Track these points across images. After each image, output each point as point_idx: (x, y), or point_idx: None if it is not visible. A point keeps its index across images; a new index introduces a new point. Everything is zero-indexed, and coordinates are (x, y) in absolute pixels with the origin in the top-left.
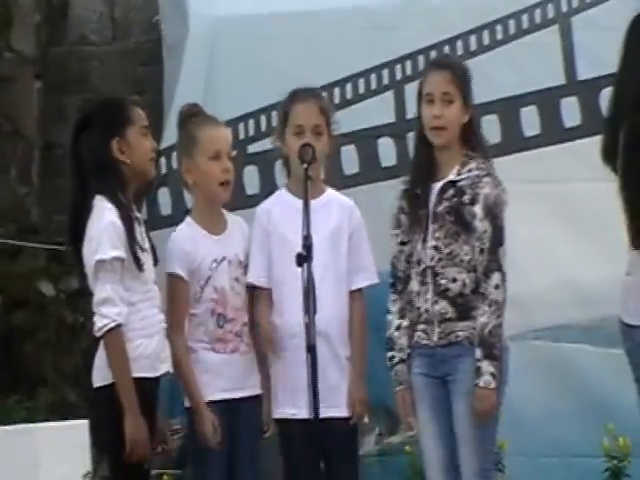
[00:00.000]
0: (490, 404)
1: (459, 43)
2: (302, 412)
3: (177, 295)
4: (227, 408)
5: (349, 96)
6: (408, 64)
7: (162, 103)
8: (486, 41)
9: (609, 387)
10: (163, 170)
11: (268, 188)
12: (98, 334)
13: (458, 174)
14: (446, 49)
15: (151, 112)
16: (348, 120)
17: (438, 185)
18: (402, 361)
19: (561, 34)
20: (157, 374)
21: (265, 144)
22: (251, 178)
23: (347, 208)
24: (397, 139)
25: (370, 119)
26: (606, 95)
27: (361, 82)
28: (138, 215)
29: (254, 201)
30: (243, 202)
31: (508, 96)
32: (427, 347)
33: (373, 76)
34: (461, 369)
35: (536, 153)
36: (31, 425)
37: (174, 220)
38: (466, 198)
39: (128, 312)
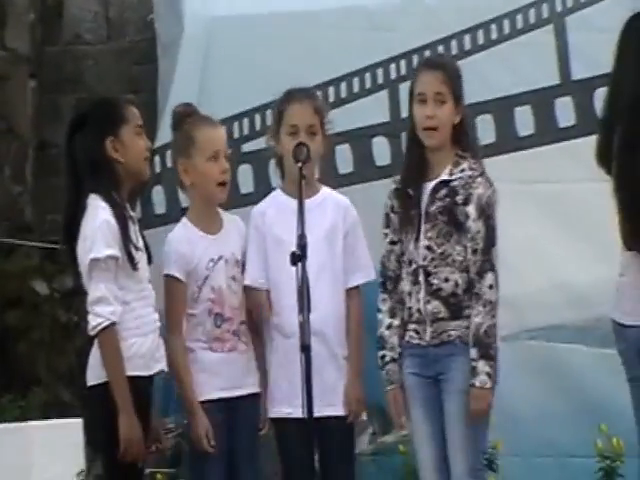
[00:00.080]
0: (486, 404)
1: (454, 43)
2: (298, 411)
3: (174, 296)
4: (226, 407)
5: (344, 95)
6: (403, 63)
7: (157, 102)
8: (480, 41)
9: (603, 387)
10: (157, 169)
11: (262, 187)
12: (92, 333)
13: (451, 174)
14: (440, 49)
15: (145, 111)
16: (343, 119)
17: (430, 185)
18: (393, 360)
19: (555, 34)
20: (151, 373)
21: (259, 143)
22: (245, 177)
23: (342, 207)
24: (391, 138)
25: (365, 118)
26: (600, 95)
27: (356, 81)
28: (132, 214)
29: (248, 200)
30: (237, 201)
31: (502, 96)
32: (419, 347)
33: (368, 75)
34: (453, 368)
35: (530, 153)
36: (24, 423)
37: (168, 219)
38: (459, 198)
39: (122, 311)
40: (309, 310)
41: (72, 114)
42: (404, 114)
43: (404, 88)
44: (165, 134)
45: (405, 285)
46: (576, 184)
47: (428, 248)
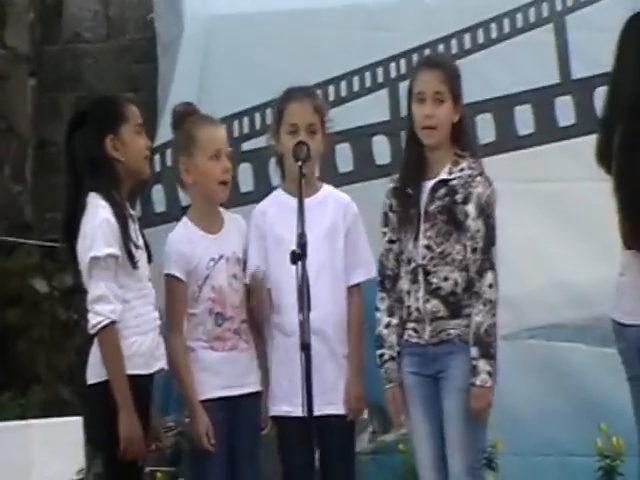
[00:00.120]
0: (486, 403)
1: (453, 42)
2: (298, 410)
3: (175, 296)
4: (227, 405)
5: (344, 94)
6: (402, 62)
7: (156, 101)
8: (480, 40)
9: (603, 386)
10: (157, 168)
11: (262, 186)
12: (92, 331)
13: (450, 173)
14: (440, 48)
15: (145, 110)
16: (343, 118)
17: (430, 184)
18: (392, 358)
19: (555, 33)
20: (151, 371)
21: (259, 142)
22: (245, 175)
23: (343, 204)
24: (391, 137)
25: (365, 117)
26: (600, 94)
27: (356, 80)
28: (132, 212)
29: (248, 198)
30: (237, 199)
31: (502, 95)
32: (418, 345)
33: (368, 74)
34: (452, 366)
35: (530, 152)
36: (24, 422)
37: (168, 217)
38: (459, 197)
39: (122, 309)
40: (309, 309)
41: (72, 112)
42: (404, 113)
43: (404, 87)
44: (165, 133)
45: (404, 284)
46: (576, 183)
47: (427, 247)
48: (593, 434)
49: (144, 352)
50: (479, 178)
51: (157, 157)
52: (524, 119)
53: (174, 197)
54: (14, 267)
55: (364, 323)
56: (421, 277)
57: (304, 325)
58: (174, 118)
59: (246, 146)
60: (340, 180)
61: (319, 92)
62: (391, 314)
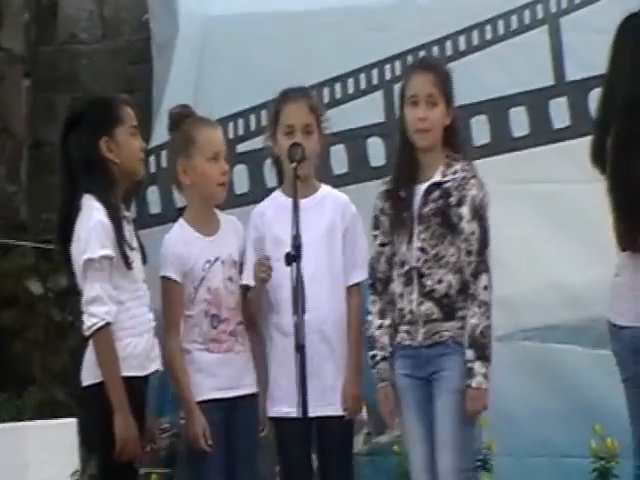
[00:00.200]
0: (482, 405)
1: (448, 43)
2: (297, 411)
3: (171, 297)
4: (223, 407)
5: (338, 96)
6: (397, 64)
7: (152, 102)
8: (475, 41)
9: (598, 388)
10: (152, 169)
11: (257, 187)
12: (87, 333)
13: (443, 175)
14: (435, 49)
15: (140, 111)
16: (337, 120)
17: (423, 187)
18: (384, 359)
19: (550, 35)
20: (146, 373)
21: (254, 143)
22: (240, 177)
23: (341, 204)
24: (386, 139)
25: (359, 119)
26: (595, 96)
27: (350, 82)
28: (127, 214)
29: (243, 200)
30: (232, 201)
31: (497, 96)
32: (411, 348)
33: (362, 76)
34: (446, 367)
35: (525, 153)
36: (19, 423)
37: (163, 219)
38: (453, 200)
39: (117, 311)
40: (304, 310)
41: (67, 113)
42: (399, 115)
43: (399, 89)
44: (160, 134)
45: (396, 286)
46: (570, 185)
47: (422, 250)
48: (588, 435)
49: (139, 354)
50: (473, 180)
51: (152, 158)
52: (519, 121)
53: (169, 198)
54: (9, 268)
55: (363, 323)
56: (415, 279)
57: (299, 326)
58: (171, 120)
59: (241, 147)
60: (335, 182)
61: (314, 94)
62: (383, 317)
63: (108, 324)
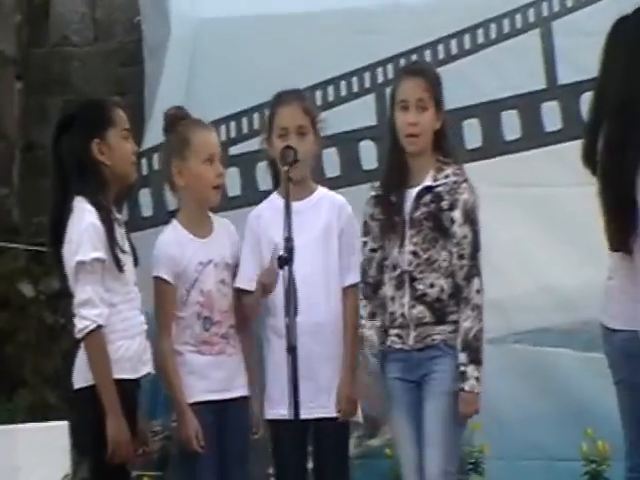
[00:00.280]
0: (475, 408)
1: (440, 47)
2: (291, 413)
3: (163, 298)
4: (215, 409)
5: (331, 98)
6: (390, 67)
7: (144, 104)
8: (467, 45)
9: (589, 391)
10: (144, 171)
11: (249, 190)
12: (79, 336)
13: (434, 180)
14: (427, 53)
15: (132, 113)
16: (329, 123)
17: (414, 191)
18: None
19: (542, 38)
20: (138, 375)
21: (246, 146)
22: (232, 180)
23: (337, 205)
24: (378, 142)
25: (351, 122)
26: (587, 99)
27: (343, 85)
28: (118, 216)
29: (235, 203)
30: (224, 204)
31: (489, 100)
32: (402, 351)
33: (355, 79)
34: (436, 370)
35: (517, 157)
36: (10, 426)
37: (155, 221)
38: (444, 204)
39: (109, 313)
40: (296, 312)
41: (59, 115)
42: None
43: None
44: (152, 136)
45: (387, 290)
46: (562, 188)
47: (414, 253)
48: (579, 438)
49: (131, 356)
50: (464, 185)
51: (144, 161)
52: (511, 124)
53: (161, 201)
54: (1, 271)
55: (359, 324)
56: (407, 283)
57: (291, 328)
58: (166, 121)
59: (233, 150)
60: (327, 185)
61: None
62: (373, 318)
63: (100, 327)
